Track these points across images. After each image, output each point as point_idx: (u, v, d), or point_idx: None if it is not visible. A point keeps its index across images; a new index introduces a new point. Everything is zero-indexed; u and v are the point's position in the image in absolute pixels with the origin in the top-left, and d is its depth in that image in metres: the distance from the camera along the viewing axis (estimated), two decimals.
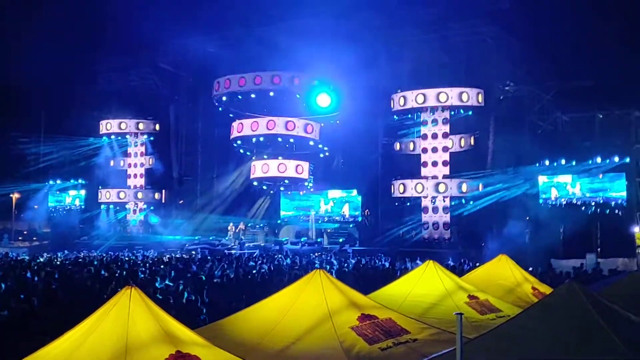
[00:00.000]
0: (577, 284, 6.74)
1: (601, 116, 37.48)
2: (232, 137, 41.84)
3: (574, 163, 35.81)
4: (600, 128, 37.42)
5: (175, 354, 6.59)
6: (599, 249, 32.27)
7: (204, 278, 19.91)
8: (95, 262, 26.45)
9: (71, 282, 19.12)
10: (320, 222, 44.03)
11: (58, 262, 26.82)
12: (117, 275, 20.65)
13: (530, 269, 17.92)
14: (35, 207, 50.69)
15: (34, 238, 45.81)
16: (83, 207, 50.48)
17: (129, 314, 6.73)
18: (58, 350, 6.56)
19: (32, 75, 38.55)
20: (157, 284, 18.44)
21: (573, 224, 34.70)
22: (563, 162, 36.00)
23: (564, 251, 31.73)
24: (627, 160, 35.12)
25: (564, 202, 35.99)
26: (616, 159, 34.91)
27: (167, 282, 19.21)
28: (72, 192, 51.40)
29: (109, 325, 6.68)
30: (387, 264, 28.08)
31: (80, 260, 28.46)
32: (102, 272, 21.83)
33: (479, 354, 6.04)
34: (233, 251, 37.01)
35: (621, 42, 34.01)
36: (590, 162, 35.40)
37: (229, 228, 42.58)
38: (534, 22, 35.81)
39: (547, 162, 36.40)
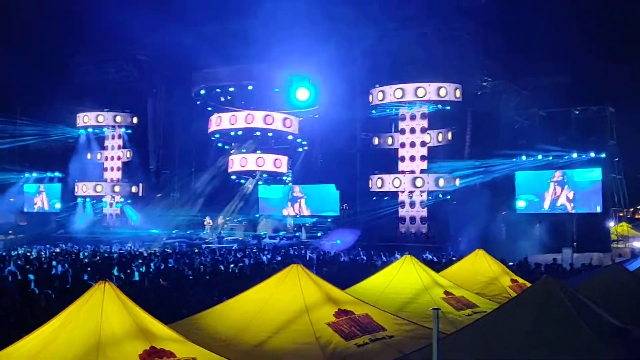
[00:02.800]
0: (553, 279, 6.75)
1: (577, 112, 37.77)
2: (210, 130, 41.63)
3: (550, 158, 36.05)
4: (577, 124, 37.72)
5: (149, 349, 6.52)
6: (574, 244, 32.51)
7: (180, 272, 19.80)
8: (69, 256, 26.22)
9: (47, 276, 18.93)
10: (298, 216, 44.05)
11: (34, 256, 26.56)
12: (92, 269, 20.47)
13: (511, 263, 17.99)
14: (11, 199, 50.13)
15: (10, 231, 45.28)
16: (59, 200, 50.00)
17: (102, 309, 6.64)
18: (30, 345, 6.46)
19: (8, 67, 38.12)
20: (133, 278, 18.33)
21: (549, 219, 34.99)
22: (540, 157, 36.22)
23: (540, 246, 31.96)
24: (603, 155, 35.41)
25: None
26: (592, 154, 35.19)
27: (143, 275, 19.08)
28: (42, 187, 50.89)
29: (82, 320, 6.58)
30: (365, 258, 28.12)
31: (55, 254, 28.19)
32: (78, 265, 21.63)
33: (455, 350, 6.03)
34: (211, 245, 36.86)
35: (598, 39, 34.28)
36: (566, 157, 35.66)
37: (206, 222, 42.41)
38: (511, 18, 35.98)
39: (523, 157, 36.61)
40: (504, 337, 6.18)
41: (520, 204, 36.80)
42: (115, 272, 19.63)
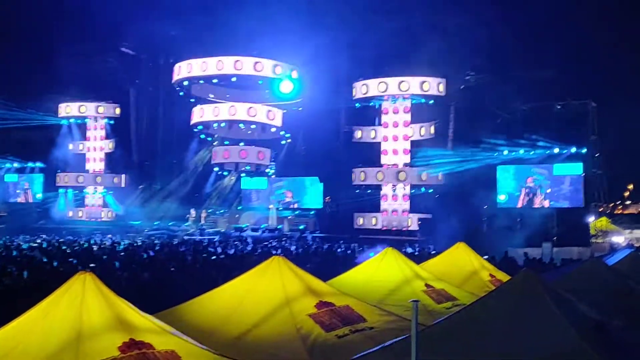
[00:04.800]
0: (532, 273, 6.80)
1: (559, 106, 37.96)
2: (193, 122, 41.49)
3: (532, 153, 36.28)
4: (558, 118, 37.92)
5: (128, 341, 6.47)
6: (555, 238, 32.75)
7: (161, 263, 19.75)
8: (51, 247, 26.08)
9: (28, 267, 18.80)
10: (281, 208, 44.05)
11: (14, 247, 26.37)
12: (72, 260, 20.36)
13: (486, 257, 18.07)
14: None
15: None
16: (41, 191, 49.68)
17: (82, 300, 6.58)
18: (7, 336, 6.38)
19: None
20: (114, 269, 18.25)
21: (530, 213, 35.22)
22: (521, 151, 36.45)
23: (521, 240, 32.15)
24: (584, 150, 35.69)
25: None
26: (573, 149, 35.46)
27: (125, 266, 19.00)
28: (24, 178, 50.56)
29: (62, 311, 6.52)
30: (348, 251, 28.11)
31: (36, 245, 27.99)
32: (59, 256, 21.50)
33: (434, 341, 6.06)
34: (193, 237, 36.79)
35: (580, 34, 34.50)
36: (547, 152, 35.90)
37: (191, 214, 42.27)
38: (495, 12, 36.10)
39: (505, 152, 36.83)
40: (482, 329, 6.22)
41: (501, 197, 37.02)
42: (95, 262, 19.53)
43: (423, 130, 39.24)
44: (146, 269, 18.15)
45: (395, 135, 39.33)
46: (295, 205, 44.01)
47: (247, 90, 40.90)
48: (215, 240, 33.98)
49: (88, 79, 45.71)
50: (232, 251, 26.37)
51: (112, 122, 47.60)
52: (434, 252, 23.76)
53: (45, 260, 20.70)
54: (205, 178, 45.19)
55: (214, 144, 43.40)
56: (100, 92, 46.60)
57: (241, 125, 41.01)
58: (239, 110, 39.80)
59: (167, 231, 39.26)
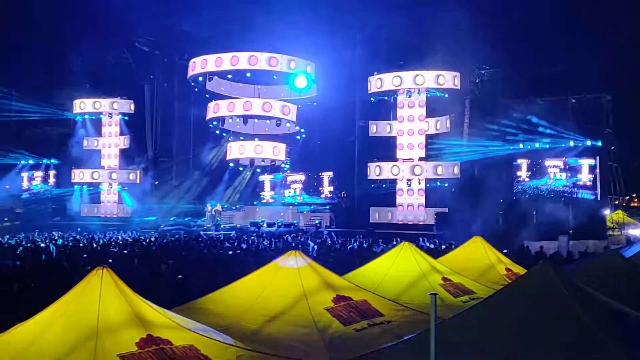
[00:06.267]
0: (550, 265, 6.79)
1: (574, 100, 37.80)
2: (208, 117, 41.54)
3: (547, 146, 36.16)
4: (573, 111, 37.77)
5: (145, 337, 6.50)
6: (571, 231, 32.60)
7: (179, 258, 19.84)
8: (67, 243, 26.24)
9: (44, 263, 18.96)
10: (296, 203, 44.13)
11: (30, 244, 26.55)
12: (89, 256, 20.49)
13: (505, 250, 18.05)
14: (7, 187, 50.01)
15: (5, 219, 45.14)
16: (55, 187, 49.98)
17: (100, 295, 6.62)
18: (28, 331, 6.44)
19: (5, 49, 38.06)
20: (132, 264, 18.37)
21: (546, 206, 35.10)
22: (537, 145, 36.33)
23: (537, 233, 32.04)
24: (599, 143, 35.53)
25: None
26: (588, 142, 35.32)
27: (142, 261, 19.11)
28: (39, 174, 50.98)
29: (80, 307, 6.57)
30: (364, 245, 28.11)
31: (52, 241, 28.16)
32: (75, 253, 21.65)
33: (452, 334, 6.08)
34: (209, 232, 36.91)
35: (595, 28, 34.25)
36: (562, 145, 35.77)
37: (208, 209, 42.38)
38: (510, 6, 35.91)
39: (520, 145, 36.71)
40: (501, 321, 6.23)
41: (517, 190, 37.02)
42: (113, 258, 19.66)
43: (439, 124, 39.06)
44: (163, 263, 18.25)
45: (411, 129, 39.15)
46: (311, 200, 44.05)
47: (261, 86, 40.92)
48: (231, 235, 34.06)
49: (102, 75, 45.89)
50: (248, 246, 26.46)
51: (126, 118, 47.58)
52: (444, 247, 23.75)
53: (61, 256, 20.86)
54: (220, 173, 45.25)
55: (229, 139, 43.43)
56: (115, 88, 46.63)
57: (256, 120, 41.01)
58: (254, 106, 39.78)
59: (183, 227, 39.37)
